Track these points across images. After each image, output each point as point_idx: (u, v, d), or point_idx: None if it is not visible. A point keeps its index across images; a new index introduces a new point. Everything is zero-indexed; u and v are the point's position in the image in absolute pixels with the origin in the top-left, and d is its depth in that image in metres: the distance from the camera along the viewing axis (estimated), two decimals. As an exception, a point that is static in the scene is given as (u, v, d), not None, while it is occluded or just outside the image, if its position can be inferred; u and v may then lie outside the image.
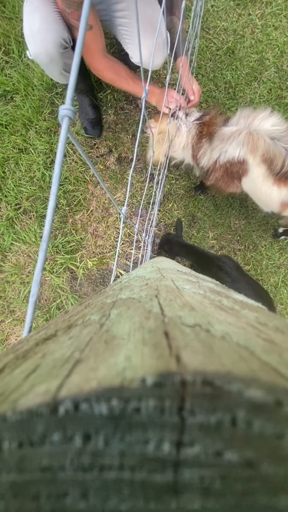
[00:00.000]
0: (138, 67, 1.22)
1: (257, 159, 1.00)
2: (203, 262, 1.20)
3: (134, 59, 1.11)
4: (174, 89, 1.09)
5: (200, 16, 1.07)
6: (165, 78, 0.87)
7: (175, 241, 1.32)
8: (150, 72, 0.54)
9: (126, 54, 1.14)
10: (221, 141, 1.05)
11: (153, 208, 1.34)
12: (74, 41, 1.03)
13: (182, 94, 1.12)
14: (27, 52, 1.01)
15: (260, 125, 1.00)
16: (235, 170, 1.08)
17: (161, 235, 1.43)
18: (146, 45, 1.04)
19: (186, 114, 1.11)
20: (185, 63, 1.05)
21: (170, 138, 1.09)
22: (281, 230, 1.49)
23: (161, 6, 1.03)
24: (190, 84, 1.09)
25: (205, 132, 1.06)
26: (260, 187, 1.06)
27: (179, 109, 1.10)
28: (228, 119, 1.07)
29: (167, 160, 1.19)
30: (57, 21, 0.95)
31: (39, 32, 0.95)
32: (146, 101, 1.16)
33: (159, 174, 1.10)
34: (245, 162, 1.04)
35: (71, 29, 0.99)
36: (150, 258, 1.30)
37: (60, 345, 0.13)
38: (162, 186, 1.18)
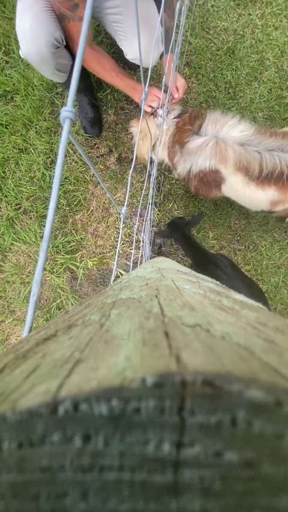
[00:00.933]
0: (134, 64, 1.22)
1: (230, 168, 0.99)
2: (200, 258, 1.19)
3: (128, 55, 1.11)
4: (159, 88, 1.08)
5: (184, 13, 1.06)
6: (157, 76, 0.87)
7: (181, 227, 1.28)
8: (150, 71, 0.54)
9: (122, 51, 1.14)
10: (189, 154, 1.04)
11: (151, 206, 1.34)
12: (66, 38, 1.02)
13: (165, 92, 1.11)
14: (19, 51, 1.00)
15: (229, 133, 0.98)
16: (211, 179, 1.06)
17: (171, 219, 1.39)
18: (142, 42, 1.03)
19: (168, 112, 1.09)
20: (170, 60, 1.03)
21: (152, 136, 1.08)
22: None
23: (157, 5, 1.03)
24: (174, 81, 1.07)
25: (176, 139, 1.05)
26: (243, 193, 1.05)
27: (161, 107, 1.08)
28: (201, 125, 1.04)
29: (154, 160, 1.18)
30: (49, 20, 0.94)
31: (30, 31, 0.94)
32: (132, 99, 1.15)
33: (151, 169, 1.10)
34: (218, 171, 1.02)
35: (61, 21, 0.97)
36: (150, 258, 1.30)
37: (61, 345, 0.13)
38: (153, 183, 1.18)
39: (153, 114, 1.09)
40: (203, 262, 1.15)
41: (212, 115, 1.03)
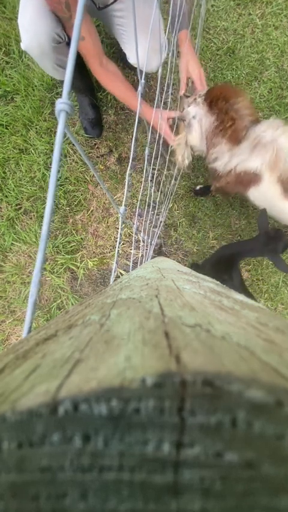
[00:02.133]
0: (135, 68, 1.22)
1: (273, 178, 0.99)
2: (228, 260, 1.13)
3: (131, 59, 1.11)
4: (164, 108, 1.06)
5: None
6: (166, 83, 0.86)
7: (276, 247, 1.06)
8: (143, 73, 0.54)
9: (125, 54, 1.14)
10: (246, 149, 1.02)
11: (155, 208, 1.34)
12: (68, 36, 1.02)
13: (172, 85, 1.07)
14: (21, 44, 1.00)
15: (286, 143, 0.97)
16: (246, 179, 1.05)
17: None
18: (143, 48, 1.03)
19: (195, 99, 1.04)
20: (185, 37, 0.99)
21: (187, 140, 1.05)
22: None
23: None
24: (194, 68, 1.03)
25: (229, 136, 1.02)
26: (270, 201, 1.05)
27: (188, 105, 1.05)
28: (256, 121, 1.02)
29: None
30: (51, 14, 0.94)
31: (31, 24, 0.94)
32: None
33: (154, 169, 1.09)
34: (260, 175, 1.02)
35: (62, 22, 0.97)
36: (151, 258, 1.30)
37: (61, 345, 0.13)
38: (159, 185, 1.17)
39: (180, 119, 1.05)
40: (224, 267, 1.10)
41: (275, 121, 1.01)
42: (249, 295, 1.09)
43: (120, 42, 1.12)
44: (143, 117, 1.13)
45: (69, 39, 1.03)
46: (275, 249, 1.06)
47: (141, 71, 0.53)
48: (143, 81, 0.51)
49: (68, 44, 1.04)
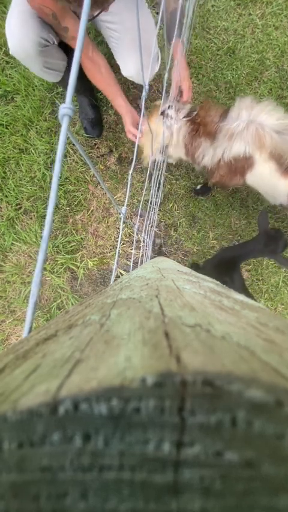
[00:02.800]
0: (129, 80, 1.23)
1: (264, 155, 0.98)
2: (229, 263, 1.12)
3: (123, 72, 1.11)
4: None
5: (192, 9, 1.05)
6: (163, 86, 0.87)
7: (276, 246, 1.05)
8: (145, 91, 0.54)
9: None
10: (224, 138, 1.02)
11: (153, 207, 1.34)
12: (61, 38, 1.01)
13: (167, 91, 1.09)
14: (10, 49, 1.00)
15: (266, 120, 0.97)
16: (240, 165, 1.05)
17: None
18: (133, 63, 1.04)
19: (177, 110, 1.08)
20: (177, 47, 0.99)
21: (158, 137, 1.07)
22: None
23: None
24: (184, 80, 1.05)
25: (202, 132, 1.04)
26: (268, 182, 1.04)
27: (169, 107, 1.07)
28: (226, 112, 1.03)
29: (163, 160, 1.18)
30: (37, 19, 0.93)
31: (16, 29, 0.94)
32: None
33: (156, 170, 1.10)
34: (251, 157, 1.01)
35: (52, 26, 0.97)
36: (151, 258, 1.30)
37: (61, 345, 0.13)
38: (161, 186, 1.17)
39: (163, 114, 1.07)
40: (224, 270, 1.10)
41: (243, 101, 1.01)
42: (250, 297, 1.09)
43: (114, 53, 1.12)
44: (119, 112, 1.16)
45: (60, 41, 1.02)
46: (276, 249, 1.07)
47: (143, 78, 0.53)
48: (147, 86, 0.51)
49: (59, 45, 1.04)
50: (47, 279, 1.45)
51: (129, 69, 1.07)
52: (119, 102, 1.13)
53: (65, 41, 1.00)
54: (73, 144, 1.45)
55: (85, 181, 1.49)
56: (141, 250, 1.15)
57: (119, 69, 1.12)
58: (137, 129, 1.12)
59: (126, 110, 1.14)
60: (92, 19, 1.02)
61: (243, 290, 1.06)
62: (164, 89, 0.83)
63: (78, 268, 1.46)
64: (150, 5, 1.42)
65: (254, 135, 0.97)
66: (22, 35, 0.94)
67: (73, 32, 0.94)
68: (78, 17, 1.01)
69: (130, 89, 1.49)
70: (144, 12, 1.04)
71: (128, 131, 1.18)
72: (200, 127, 1.04)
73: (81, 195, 1.48)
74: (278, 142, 0.95)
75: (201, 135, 1.05)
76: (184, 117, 1.06)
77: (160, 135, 1.05)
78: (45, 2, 0.85)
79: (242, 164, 1.04)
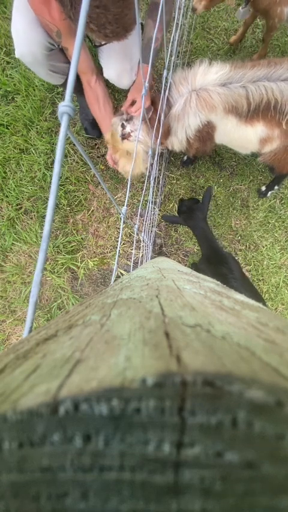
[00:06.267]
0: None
1: (220, 114, 0.95)
2: (213, 256, 1.15)
3: (104, 74, 1.14)
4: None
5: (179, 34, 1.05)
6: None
7: (196, 213, 1.16)
8: (144, 89, 0.54)
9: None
10: (177, 121, 1.00)
11: (153, 206, 1.34)
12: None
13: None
14: (15, 51, 1.01)
15: (205, 80, 0.93)
16: (205, 133, 1.04)
17: (180, 202, 1.27)
18: (114, 68, 1.07)
19: (132, 121, 1.04)
20: (144, 72, 1.04)
21: (138, 154, 1.05)
22: (263, 188, 1.48)
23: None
24: (136, 95, 1.03)
25: (163, 131, 1.01)
26: (234, 135, 1.02)
27: (124, 126, 1.05)
28: (169, 98, 1.00)
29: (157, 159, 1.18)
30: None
31: (24, 32, 0.95)
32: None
33: (155, 170, 1.09)
34: (209, 122, 0.99)
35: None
36: (151, 258, 1.30)
37: (61, 345, 0.13)
38: (161, 186, 1.17)
39: (125, 137, 1.05)
40: (215, 261, 1.12)
41: (175, 76, 0.97)
42: (250, 285, 1.10)
43: (98, 53, 1.13)
44: (104, 132, 1.17)
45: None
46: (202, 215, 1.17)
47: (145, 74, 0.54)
48: (147, 84, 0.52)
49: (61, 49, 1.05)
50: (48, 279, 1.45)
51: (110, 73, 1.10)
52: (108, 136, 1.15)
53: (67, 55, 1.02)
54: (73, 144, 1.45)
55: (85, 181, 1.49)
56: (141, 250, 1.15)
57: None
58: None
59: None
60: (100, 46, 1.04)
61: (243, 278, 1.07)
62: (164, 88, 0.83)
63: (78, 268, 1.46)
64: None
65: (199, 101, 0.93)
66: (30, 40, 0.95)
67: (71, 52, 0.95)
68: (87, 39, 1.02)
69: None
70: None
71: (108, 159, 1.21)
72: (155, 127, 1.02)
73: (82, 195, 1.48)
74: (227, 94, 0.91)
75: (164, 133, 1.03)
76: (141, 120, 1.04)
77: (140, 152, 1.03)
78: (54, 19, 0.86)
79: (206, 131, 1.03)
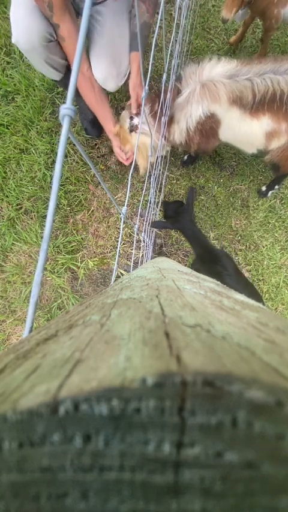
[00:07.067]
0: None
1: (225, 104, 0.96)
2: (206, 256, 1.15)
3: (92, 70, 1.14)
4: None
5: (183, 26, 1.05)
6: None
7: (182, 216, 1.15)
8: (145, 91, 0.55)
9: None
10: (181, 110, 1.01)
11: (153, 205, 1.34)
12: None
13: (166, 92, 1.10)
14: (11, 38, 1.01)
15: (211, 73, 0.95)
16: (207, 127, 1.03)
17: (164, 206, 1.27)
18: (101, 71, 1.07)
19: (135, 115, 1.07)
20: (135, 59, 1.04)
21: (145, 146, 1.06)
22: (264, 188, 1.48)
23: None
24: (133, 89, 1.05)
25: (167, 124, 1.03)
26: (240, 129, 1.01)
27: (132, 118, 1.08)
28: (178, 88, 1.02)
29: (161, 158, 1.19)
30: (43, 14, 0.95)
31: (23, 19, 0.95)
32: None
33: (151, 169, 1.10)
34: (213, 114, 0.99)
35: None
36: (151, 258, 1.30)
37: (61, 345, 0.13)
38: (162, 186, 1.17)
39: (132, 129, 1.08)
40: (209, 260, 1.12)
41: (187, 69, 1.00)
42: (245, 281, 1.10)
43: (89, 52, 1.14)
44: (103, 124, 1.19)
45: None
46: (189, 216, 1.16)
47: (145, 78, 0.54)
48: (146, 87, 0.52)
49: (59, 43, 1.05)
50: (48, 279, 1.45)
51: (97, 73, 1.10)
52: (109, 127, 1.17)
53: (57, 38, 1.00)
54: (74, 144, 1.45)
55: (86, 182, 1.49)
56: (141, 250, 1.15)
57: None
58: (133, 149, 1.14)
59: (114, 135, 1.17)
60: (96, 4, 1.03)
61: (237, 274, 1.07)
62: (163, 88, 0.83)
63: (78, 268, 1.46)
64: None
65: (203, 91, 0.94)
66: (29, 26, 0.95)
67: (64, 32, 0.94)
68: (76, 10, 1.01)
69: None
70: (123, 23, 1.07)
71: (117, 154, 1.21)
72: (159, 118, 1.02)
73: (82, 195, 1.48)
74: (232, 85, 0.92)
75: (167, 124, 1.04)
76: (150, 113, 1.05)
77: (147, 144, 1.04)
78: None
79: (209, 125, 1.02)
